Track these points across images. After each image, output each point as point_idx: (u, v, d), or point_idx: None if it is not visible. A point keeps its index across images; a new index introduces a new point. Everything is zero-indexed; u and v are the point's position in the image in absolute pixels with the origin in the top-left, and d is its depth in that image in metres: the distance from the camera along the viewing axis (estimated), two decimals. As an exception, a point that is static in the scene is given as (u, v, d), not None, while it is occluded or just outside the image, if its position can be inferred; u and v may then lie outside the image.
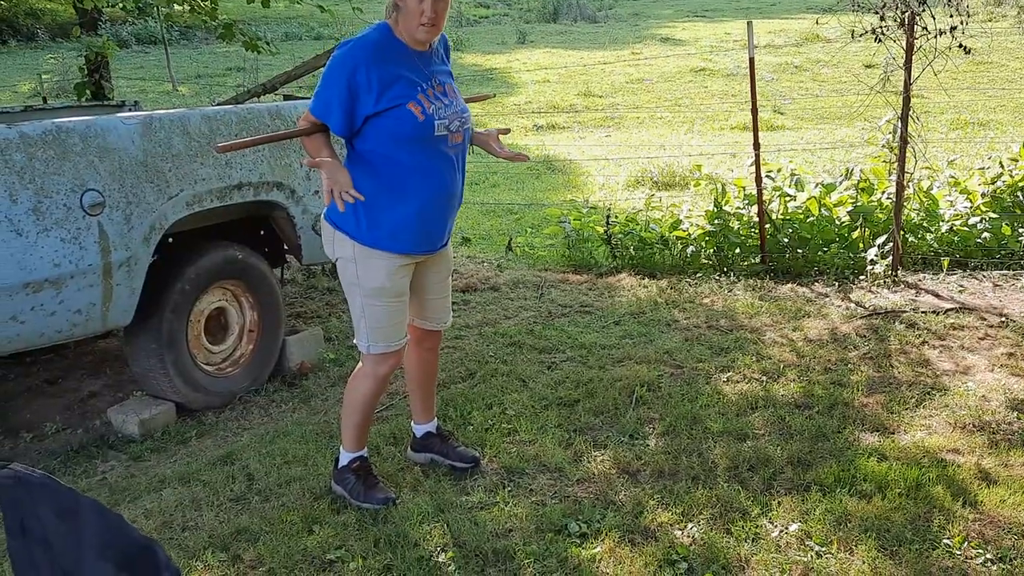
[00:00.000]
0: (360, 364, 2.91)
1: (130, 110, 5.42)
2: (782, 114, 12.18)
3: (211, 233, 3.90)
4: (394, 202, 2.67)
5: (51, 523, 1.26)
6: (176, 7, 6.94)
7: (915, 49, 4.76)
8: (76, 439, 3.69)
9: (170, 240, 3.65)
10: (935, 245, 5.36)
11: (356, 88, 2.59)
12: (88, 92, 6.68)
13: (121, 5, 9.00)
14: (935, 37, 4.67)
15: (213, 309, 3.90)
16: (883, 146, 5.50)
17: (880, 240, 5.17)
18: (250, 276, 3.98)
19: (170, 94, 14.72)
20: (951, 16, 4.59)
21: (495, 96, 4.18)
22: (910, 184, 5.30)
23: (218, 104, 6.14)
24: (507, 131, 3.06)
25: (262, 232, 4.23)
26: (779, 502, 2.82)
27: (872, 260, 5.12)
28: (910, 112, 4.93)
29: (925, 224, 5.47)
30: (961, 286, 4.88)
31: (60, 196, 3.14)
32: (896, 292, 4.85)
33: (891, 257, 5.08)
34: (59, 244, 3.14)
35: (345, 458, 2.97)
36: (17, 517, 1.32)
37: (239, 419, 3.80)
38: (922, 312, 4.48)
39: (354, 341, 2.91)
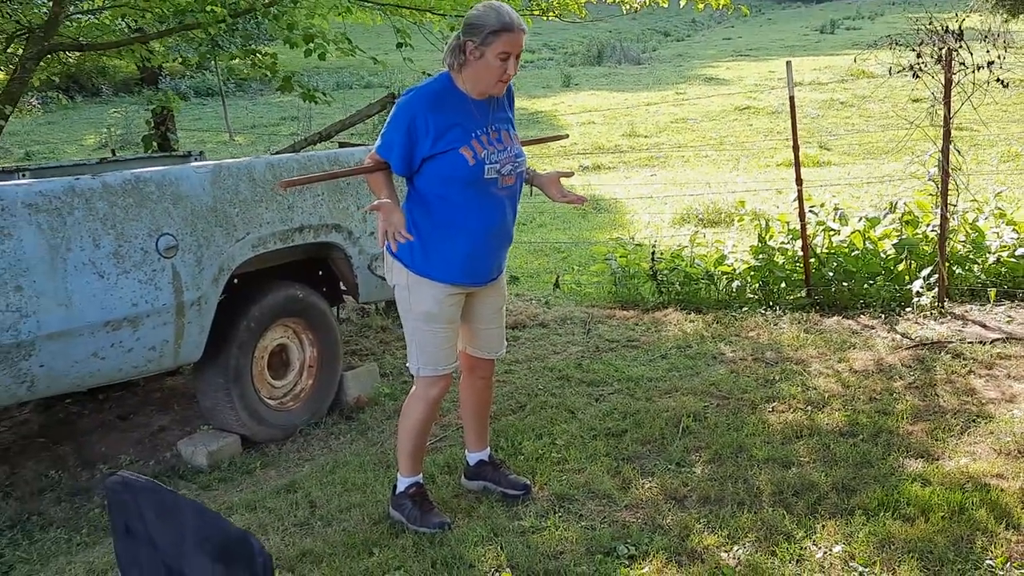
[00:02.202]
0: (413, 389, 3.08)
1: (196, 160, 5.73)
2: (828, 150, 12.23)
3: (274, 273, 4.12)
4: (445, 237, 2.87)
5: (154, 523, 1.42)
6: (236, 61, 7.30)
7: (953, 84, 4.85)
8: (148, 471, 3.89)
9: (236, 280, 3.87)
10: (982, 276, 5.38)
11: (415, 133, 2.80)
12: (155, 144, 7.05)
13: (182, 60, 9.47)
14: (973, 72, 4.75)
15: (276, 346, 4.11)
16: (929, 179, 5.55)
17: (925, 272, 5.21)
18: (310, 314, 4.19)
19: (227, 144, 15.29)
20: (987, 51, 4.67)
21: (568, 136, 4.45)
22: (955, 216, 5.34)
23: (275, 153, 6.44)
24: (570, 174, 3.19)
25: (321, 272, 4.44)
26: (823, 525, 2.89)
27: (918, 292, 5.16)
28: (951, 145, 4.99)
29: (971, 256, 5.49)
30: (1009, 316, 4.89)
31: (138, 240, 3.38)
32: (943, 323, 4.88)
33: (937, 289, 5.11)
34: (137, 285, 3.38)
35: (402, 484, 3.12)
36: (122, 519, 1.49)
37: (300, 451, 3.98)
38: (968, 342, 4.51)
39: (407, 364, 3.08)
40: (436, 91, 2.84)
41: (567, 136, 4.18)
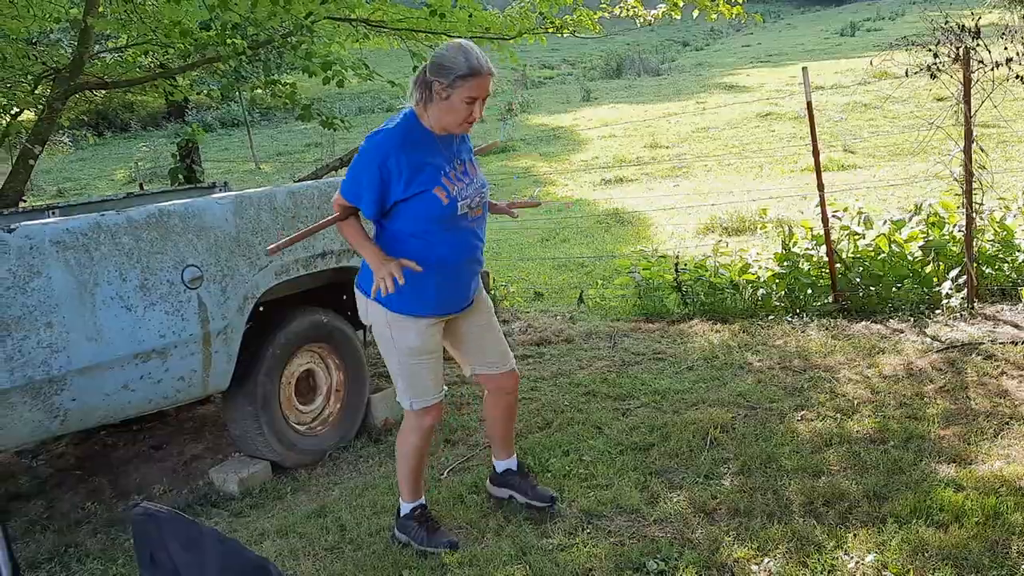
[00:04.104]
0: (404, 421, 3.11)
1: (220, 190, 5.82)
2: (853, 153, 12.11)
3: (298, 300, 4.16)
4: (420, 273, 2.85)
5: (178, 553, 1.45)
6: (258, 92, 7.41)
7: (973, 83, 4.80)
8: (182, 499, 3.94)
9: (261, 308, 3.92)
10: (1013, 275, 5.30)
11: (387, 176, 2.79)
12: (181, 176, 7.18)
13: (207, 93, 9.63)
14: (992, 70, 4.71)
15: (302, 371, 4.15)
16: (954, 179, 5.49)
17: (954, 273, 5.15)
18: (335, 339, 4.23)
19: (254, 172, 15.49)
20: (1005, 48, 4.63)
21: (540, 204, 4.48)
22: (982, 215, 5.27)
23: (299, 179, 6.52)
24: (536, 203, 3.34)
25: (344, 297, 4.48)
26: (855, 535, 2.85)
27: (947, 294, 5.09)
28: (973, 144, 4.94)
29: (1001, 255, 5.41)
30: (1042, 315, 4.81)
31: (164, 273, 3.44)
32: (973, 324, 4.81)
33: (966, 290, 5.05)
34: (164, 317, 3.43)
35: (405, 508, 3.16)
36: (147, 550, 1.51)
37: (330, 475, 4.00)
38: (1000, 343, 4.44)
39: (397, 399, 3.10)
40: (404, 130, 2.83)
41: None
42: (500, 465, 3.36)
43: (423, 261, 2.85)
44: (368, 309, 3.00)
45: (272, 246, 2.94)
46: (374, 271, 2.80)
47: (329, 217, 3.00)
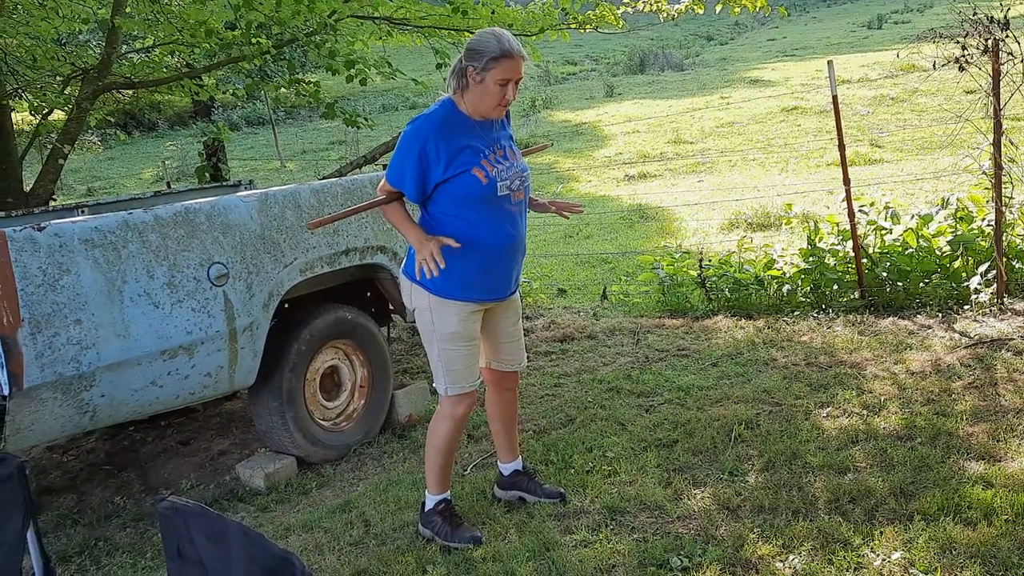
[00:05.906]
0: (439, 408, 3.13)
1: (245, 188, 5.87)
2: (880, 147, 11.97)
3: (323, 297, 4.19)
4: (463, 256, 2.91)
5: (204, 546, 1.47)
6: (283, 90, 7.47)
7: (1002, 75, 4.73)
8: (209, 494, 3.99)
9: (286, 305, 3.95)
10: (1044, 270, 5.22)
11: (427, 159, 2.86)
12: (207, 174, 7.24)
13: (232, 92, 9.72)
14: (1022, 61, 4.64)
15: (327, 367, 4.18)
16: (983, 173, 5.42)
17: (983, 268, 5.08)
18: (360, 335, 4.25)
19: (279, 171, 15.58)
20: (1035, 39, 4.56)
21: (552, 144, 4.56)
22: (1012, 210, 5.20)
23: (323, 177, 6.57)
24: (580, 208, 3.28)
25: (368, 293, 4.51)
26: (881, 532, 2.83)
27: (976, 289, 5.03)
28: (1002, 137, 4.87)
29: (1031, 250, 5.33)
30: (1073, 310, 4.73)
31: (190, 270, 3.48)
32: (1003, 320, 4.75)
33: (995, 285, 4.98)
34: (190, 314, 3.47)
35: (431, 501, 3.18)
36: (174, 543, 1.54)
37: (354, 470, 4.03)
38: (1030, 339, 4.38)
39: (433, 385, 3.12)
40: (442, 116, 2.90)
41: (551, 144, 4.32)
42: (507, 467, 3.39)
43: (468, 244, 2.89)
44: (412, 293, 3.05)
45: (315, 221, 3.02)
46: (416, 251, 2.87)
47: (375, 199, 3.06)
